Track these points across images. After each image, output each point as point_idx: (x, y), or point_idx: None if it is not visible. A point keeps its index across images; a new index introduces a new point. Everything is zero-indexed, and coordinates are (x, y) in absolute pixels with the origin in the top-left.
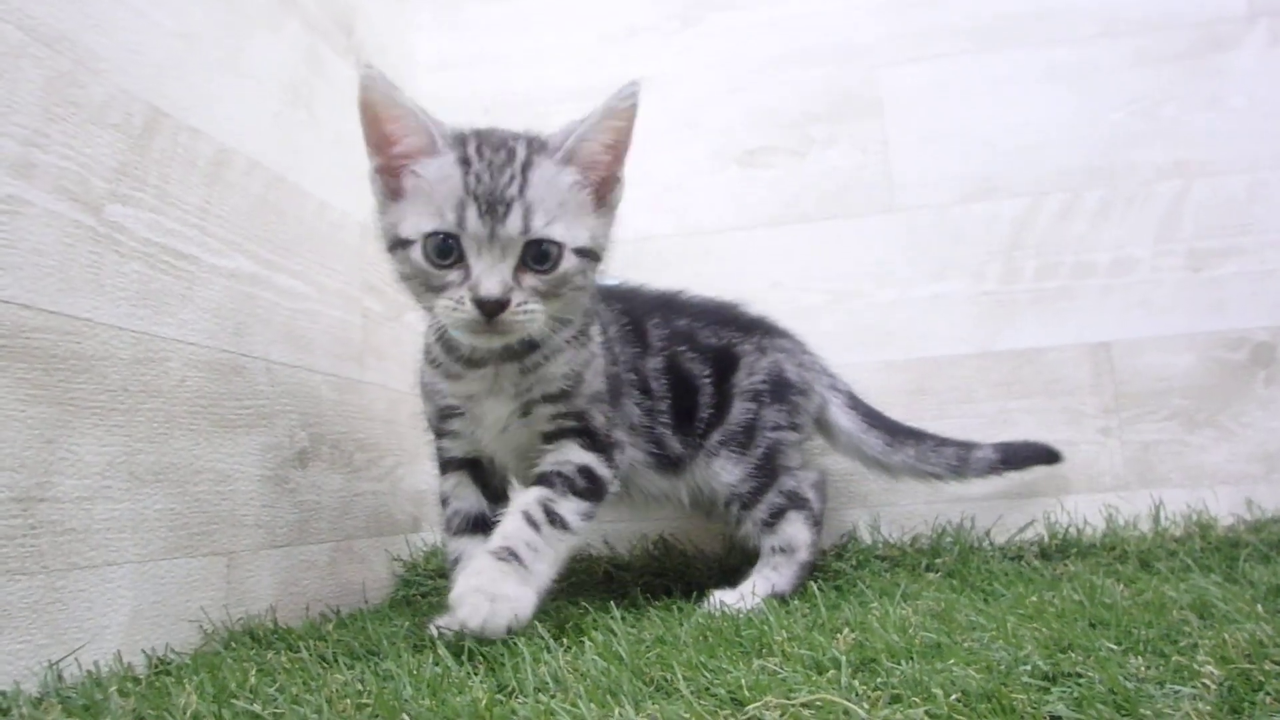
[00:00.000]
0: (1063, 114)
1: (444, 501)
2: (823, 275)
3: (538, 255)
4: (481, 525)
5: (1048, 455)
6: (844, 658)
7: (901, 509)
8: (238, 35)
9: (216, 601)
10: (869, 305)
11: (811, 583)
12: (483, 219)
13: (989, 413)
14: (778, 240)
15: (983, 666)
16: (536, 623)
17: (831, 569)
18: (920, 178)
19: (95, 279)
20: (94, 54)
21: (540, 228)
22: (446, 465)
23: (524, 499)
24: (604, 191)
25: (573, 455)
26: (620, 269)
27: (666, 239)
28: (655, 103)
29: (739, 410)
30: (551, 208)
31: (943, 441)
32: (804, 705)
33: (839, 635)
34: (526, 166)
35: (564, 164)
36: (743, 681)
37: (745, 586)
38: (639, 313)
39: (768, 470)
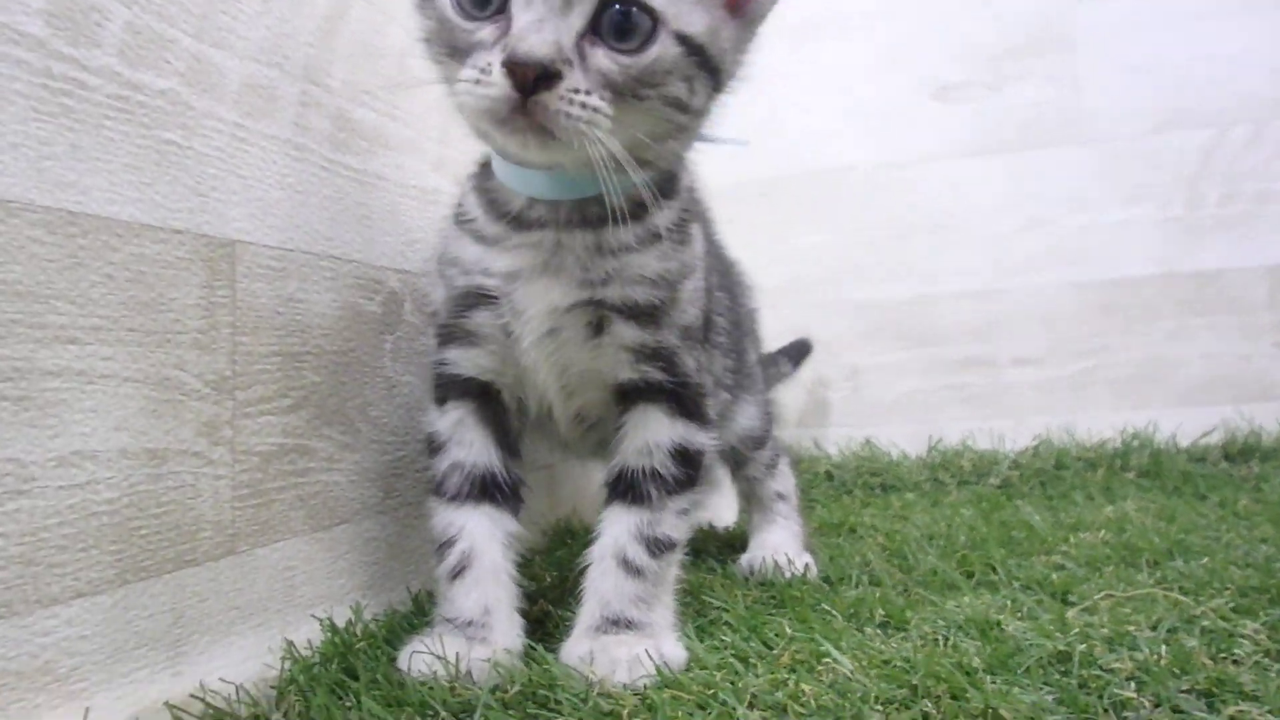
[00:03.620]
0: (1254, 44)
1: (434, 446)
2: (1018, 202)
3: (619, 23)
4: (492, 490)
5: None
6: (1114, 556)
7: (1089, 415)
8: None
9: None
10: (1061, 229)
11: (1020, 481)
12: None
13: (1171, 329)
14: (975, 170)
15: (1243, 562)
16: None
17: (1033, 467)
18: (1110, 110)
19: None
20: None
21: None
22: (446, 389)
23: (613, 535)
24: None
25: (661, 432)
26: (819, 197)
27: (870, 168)
28: (860, 38)
29: (751, 349)
30: None
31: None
32: (1127, 598)
33: (1097, 533)
34: None
35: None
36: (1053, 577)
37: (772, 539)
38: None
39: (769, 413)
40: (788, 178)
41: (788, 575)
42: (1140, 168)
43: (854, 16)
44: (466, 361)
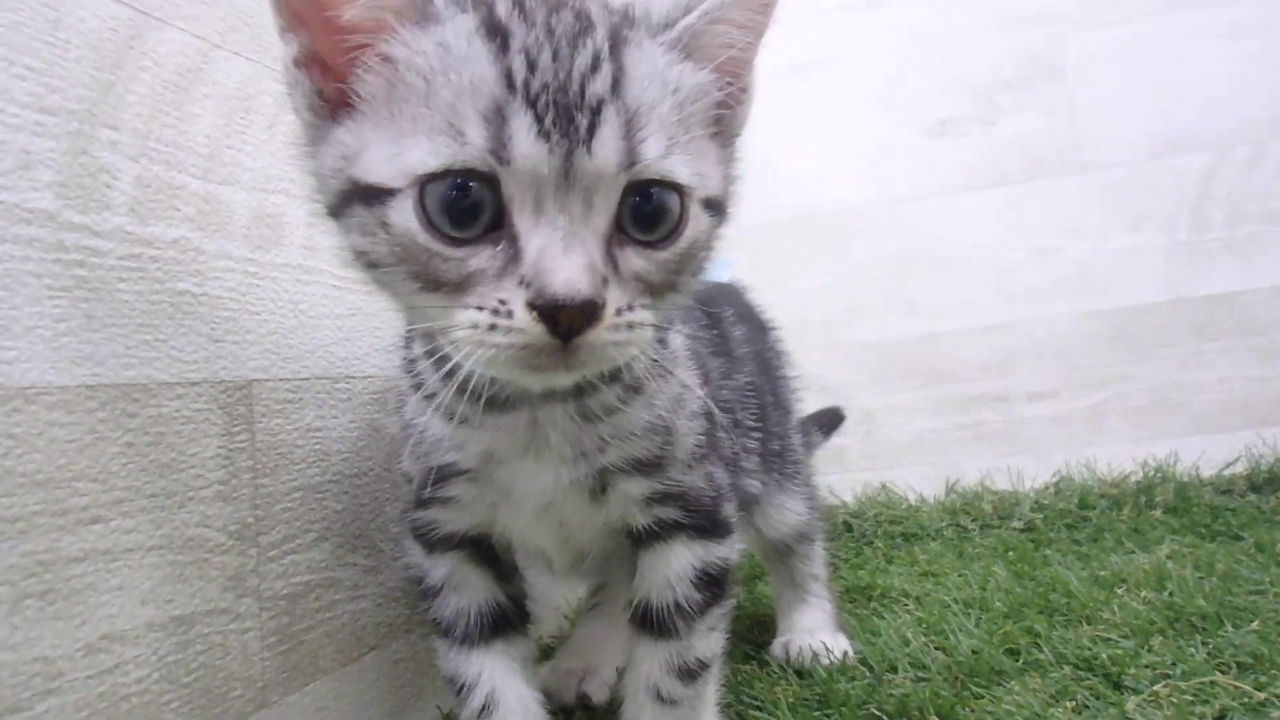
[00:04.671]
0: (1245, 69)
1: (428, 589)
2: (1021, 234)
3: (646, 212)
4: (502, 625)
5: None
6: (1160, 620)
7: (1109, 447)
8: None
9: None
10: (1067, 259)
11: (1045, 525)
12: (548, 139)
13: (1185, 355)
14: (975, 204)
15: None
16: None
17: (1057, 508)
18: (1107, 137)
19: None
20: None
21: (654, 157)
22: (432, 544)
23: (644, 670)
24: (729, 108)
25: (681, 562)
26: (818, 239)
27: (868, 208)
28: (851, 78)
29: (794, 430)
30: (669, 123)
31: None
32: (1189, 690)
33: (1138, 593)
34: (618, 45)
35: (679, 53)
36: (1102, 656)
37: (805, 621)
38: (712, 303)
39: (814, 500)
40: (786, 221)
41: (825, 663)
42: (1142, 194)
43: (844, 57)
44: (452, 522)
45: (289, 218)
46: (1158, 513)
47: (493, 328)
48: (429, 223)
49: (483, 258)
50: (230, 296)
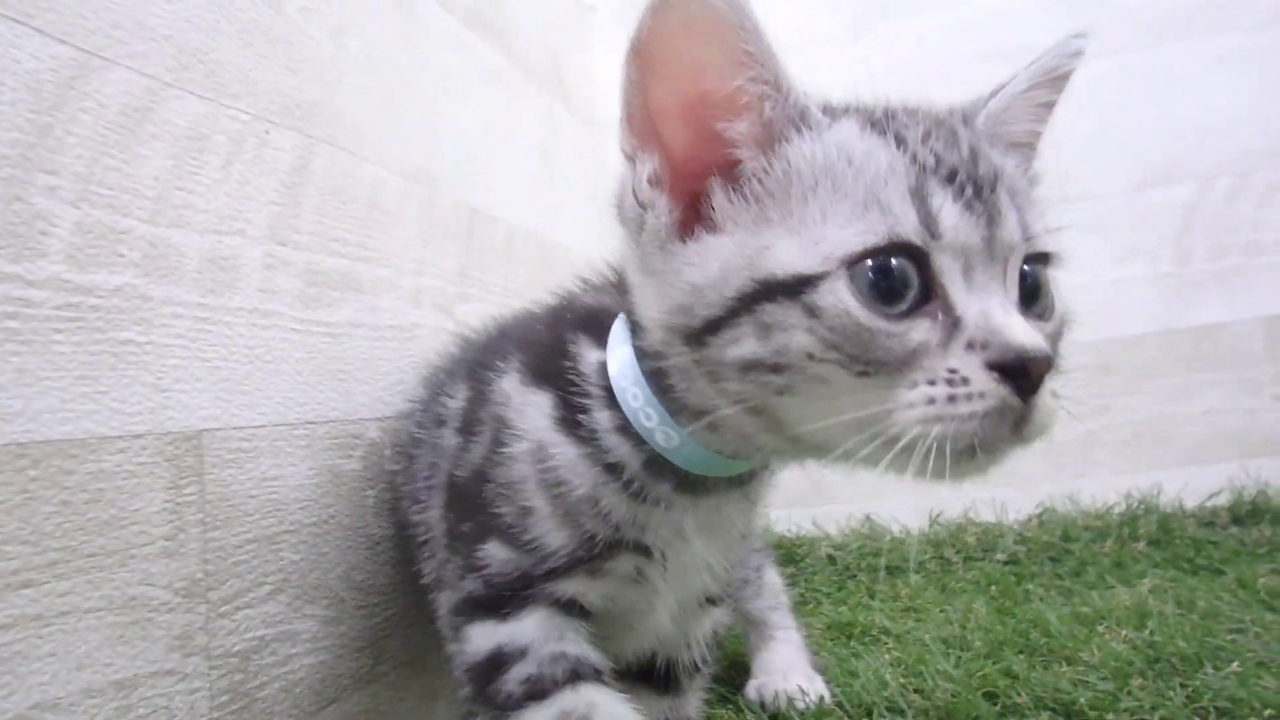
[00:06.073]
0: (1232, 101)
1: (502, 659)
2: None
3: (1032, 286)
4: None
5: None
6: (1139, 660)
7: (1094, 479)
8: (510, 115)
9: None
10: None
11: (1028, 558)
12: (971, 212)
13: (1172, 387)
14: None
15: (1274, 665)
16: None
17: (1040, 540)
18: (1091, 169)
19: None
20: (436, 174)
21: (1039, 230)
22: (520, 603)
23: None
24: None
25: (706, 624)
26: None
27: None
28: None
29: None
30: (1034, 201)
31: None
32: None
33: (1118, 630)
34: (975, 137)
35: (1001, 139)
36: (1080, 700)
37: (777, 661)
38: None
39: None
40: None
41: (800, 707)
42: (1129, 226)
43: (830, 88)
44: (585, 593)
45: (244, 260)
46: (1141, 545)
47: (951, 399)
48: (863, 297)
49: (922, 330)
50: (179, 344)
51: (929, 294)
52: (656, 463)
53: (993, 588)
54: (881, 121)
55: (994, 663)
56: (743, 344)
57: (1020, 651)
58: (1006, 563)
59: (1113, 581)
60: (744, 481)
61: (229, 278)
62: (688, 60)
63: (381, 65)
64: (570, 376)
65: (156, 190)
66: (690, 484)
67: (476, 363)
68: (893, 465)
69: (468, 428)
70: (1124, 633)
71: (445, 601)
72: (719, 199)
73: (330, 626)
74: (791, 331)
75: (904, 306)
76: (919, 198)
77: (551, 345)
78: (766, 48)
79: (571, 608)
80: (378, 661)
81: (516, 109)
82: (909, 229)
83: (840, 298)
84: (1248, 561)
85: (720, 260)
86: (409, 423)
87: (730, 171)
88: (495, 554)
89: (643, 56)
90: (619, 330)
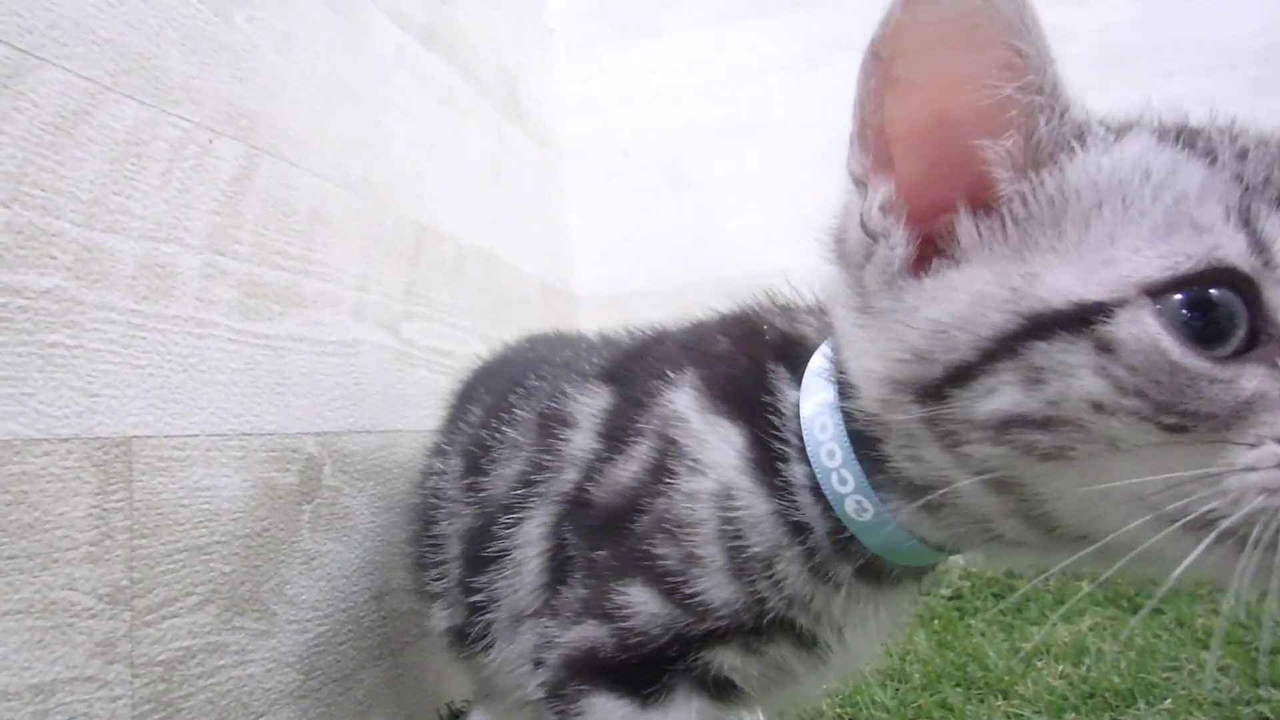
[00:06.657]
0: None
1: None
2: None
3: None
4: None
5: None
6: (1074, 696)
7: None
8: (461, 133)
9: None
10: None
11: (971, 593)
12: None
13: None
14: None
15: (1207, 701)
16: None
17: (984, 576)
18: None
19: (401, 393)
20: (382, 189)
21: None
22: (672, 686)
23: None
24: None
25: None
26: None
27: (809, 270)
28: (792, 139)
29: None
30: None
31: None
32: None
33: (1056, 666)
34: None
35: None
36: None
37: None
38: None
39: None
40: (724, 279)
41: None
42: None
43: (785, 119)
44: (738, 669)
45: (181, 268)
46: (1083, 583)
47: None
48: (1180, 334)
49: (1257, 378)
50: (110, 349)
51: (1255, 336)
52: (842, 539)
53: (935, 621)
54: (1185, 136)
55: (931, 695)
56: (1001, 395)
57: (957, 685)
58: (950, 598)
59: (1054, 618)
60: (925, 570)
61: (165, 285)
62: (945, 63)
63: (328, 78)
64: (770, 416)
65: (92, 194)
66: (875, 570)
67: (623, 364)
68: (1205, 562)
69: (614, 436)
70: (1061, 668)
71: (544, 636)
72: (964, 227)
73: (260, 640)
74: (1073, 375)
75: (1229, 349)
76: (1244, 219)
77: (747, 371)
78: (1045, 48)
79: (724, 692)
80: (308, 677)
81: (468, 127)
82: (1234, 253)
83: (1145, 328)
84: (1187, 601)
85: (971, 293)
86: (469, 419)
87: (979, 195)
88: (642, 605)
89: (885, 60)
90: (821, 366)
